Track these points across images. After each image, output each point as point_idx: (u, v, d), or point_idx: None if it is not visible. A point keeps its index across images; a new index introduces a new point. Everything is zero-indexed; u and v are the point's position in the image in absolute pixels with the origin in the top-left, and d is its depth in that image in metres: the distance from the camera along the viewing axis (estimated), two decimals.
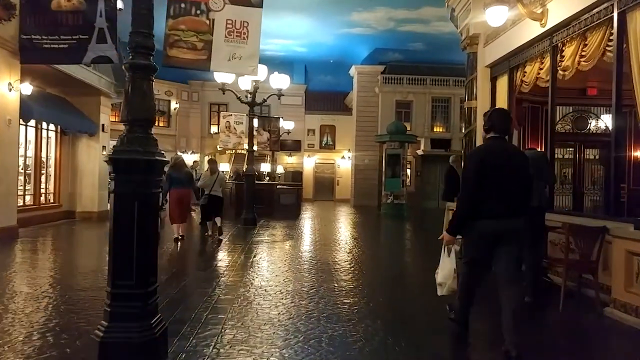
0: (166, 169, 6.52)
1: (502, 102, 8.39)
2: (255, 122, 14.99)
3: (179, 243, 8.61)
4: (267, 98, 12.21)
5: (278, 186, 16.10)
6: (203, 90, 27.24)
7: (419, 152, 23.29)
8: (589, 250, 4.57)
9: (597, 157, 13.46)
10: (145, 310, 2.94)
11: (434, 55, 23.66)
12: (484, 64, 8.76)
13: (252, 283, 5.56)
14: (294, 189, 16.57)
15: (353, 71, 24.60)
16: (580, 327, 4.43)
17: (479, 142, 8.90)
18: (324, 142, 28.04)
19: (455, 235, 3.66)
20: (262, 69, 11.55)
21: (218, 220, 9.37)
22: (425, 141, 23.10)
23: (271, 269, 6.56)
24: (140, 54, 3.02)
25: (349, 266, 6.95)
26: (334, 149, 27.91)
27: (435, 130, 23.71)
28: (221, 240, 9.06)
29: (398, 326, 4.14)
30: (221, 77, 11.84)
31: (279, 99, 12.16)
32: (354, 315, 4.36)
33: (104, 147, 13.31)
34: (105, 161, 2.99)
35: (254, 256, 7.49)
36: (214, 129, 26.74)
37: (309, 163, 27.81)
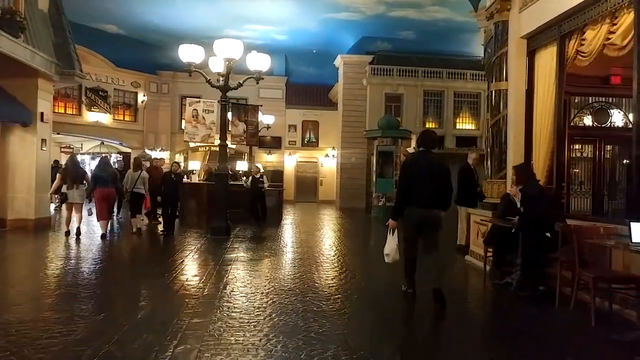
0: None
1: (544, 81, 6.54)
2: (229, 115, 12.86)
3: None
4: (243, 82, 10.13)
5: None
6: (174, 82, 24.90)
7: (410, 149, 21.42)
8: None
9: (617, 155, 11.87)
10: None
11: (425, 45, 21.94)
12: (519, 34, 6.90)
13: (217, 346, 3.53)
14: (274, 190, 14.52)
15: (339, 61, 22.64)
16: None
17: (512, 131, 7.05)
18: (306, 139, 26.01)
19: (396, 220, 4.98)
20: (237, 45, 9.54)
21: (139, 218, 10.01)
22: (415, 137, 21.29)
23: (247, 310, 4.53)
24: None
25: (357, 303, 4.99)
26: (317, 146, 25.92)
27: (427, 125, 21.88)
28: (140, 231, 9.87)
29: None
30: (187, 55, 9.76)
31: (257, 82, 10.08)
32: None
33: (43, 140, 10.98)
34: None
35: (224, 287, 5.44)
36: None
37: (290, 162, 25.74)
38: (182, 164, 19.93)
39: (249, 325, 4.03)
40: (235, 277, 6.02)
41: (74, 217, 9.20)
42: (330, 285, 5.79)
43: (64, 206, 9.71)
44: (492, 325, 4.68)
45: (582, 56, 5.86)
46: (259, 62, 10.10)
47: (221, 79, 10.23)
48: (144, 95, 24.74)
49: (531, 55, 6.85)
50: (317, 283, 5.83)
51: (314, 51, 24.16)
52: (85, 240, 8.84)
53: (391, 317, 4.66)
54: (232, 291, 5.25)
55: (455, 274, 7.15)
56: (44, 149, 11.06)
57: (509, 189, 6.48)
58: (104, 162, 9.87)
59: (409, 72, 21.55)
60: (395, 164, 16.73)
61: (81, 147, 26.85)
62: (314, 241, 10.09)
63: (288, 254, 8.13)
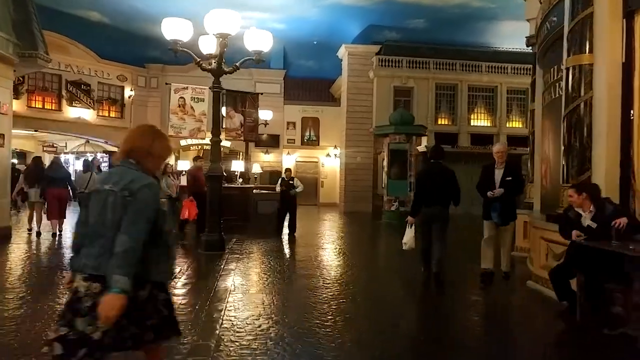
0: None
1: None
2: (223, 110, 10.95)
3: None
4: (240, 64, 8.36)
5: (254, 191, 12.20)
6: (163, 75, 22.97)
7: (420, 148, 19.72)
8: None
9: None
10: None
11: (436, 35, 20.25)
12: None
13: None
14: (275, 193, 12.68)
15: (342, 52, 20.83)
16: None
17: (603, 119, 5.29)
18: (306, 137, 24.20)
19: (414, 217, 6.23)
20: (232, 17, 7.76)
21: None
22: (428, 135, 19.55)
23: None
24: None
25: None
26: (318, 145, 24.13)
27: (439, 122, 20.20)
28: None
29: None
30: (172, 31, 7.96)
31: (257, 63, 8.31)
32: None
33: (1, 135, 9.17)
34: None
35: (216, 347, 3.65)
36: None
37: (288, 161, 23.87)
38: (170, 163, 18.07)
39: None
40: (233, 324, 4.22)
41: (35, 215, 9.65)
42: (384, 348, 4.00)
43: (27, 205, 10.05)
44: None
45: None
46: (259, 41, 8.31)
47: (213, 61, 8.47)
48: (131, 90, 22.83)
49: (629, 17, 5.12)
50: (356, 341, 4.05)
51: (315, 42, 22.38)
52: (44, 259, 7.09)
53: None
54: (228, 356, 3.46)
55: (525, 310, 5.37)
56: (1, 146, 9.25)
57: (570, 198, 4.81)
58: (56, 163, 10.00)
59: (420, 64, 19.78)
60: (409, 164, 15.00)
61: (65, 146, 24.96)
62: (329, 259, 8.29)
63: (300, 281, 6.32)
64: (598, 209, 4.60)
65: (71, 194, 9.89)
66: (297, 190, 10.87)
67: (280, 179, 11.14)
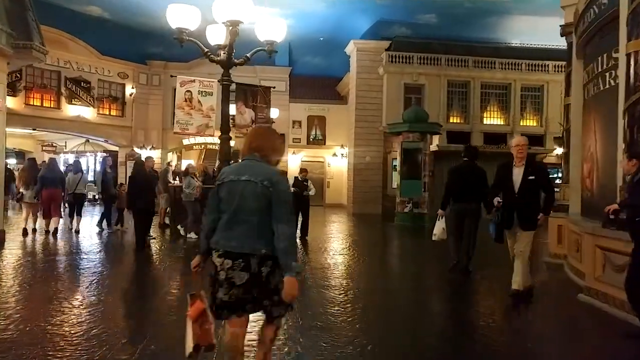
0: None
1: None
2: (233, 107, 10.27)
3: None
4: (252, 55, 7.70)
5: None
6: (165, 72, 22.30)
7: (432, 147, 19.06)
8: None
9: None
10: None
11: (448, 31, 19.56)
12: None
13: None
14: None
15: (351, 48, 20.18)
16: None
17: None
18: (312, 137, 23.55)
19: (444, 210, 6.68)
20: (244, 1, 7.11)
21: (78, 219, 10.27)
22: (441, 134, 18.90)
23: None
24: None
25: None
26: (324, 144, 23.49)
27: (451, 120, 19.53)
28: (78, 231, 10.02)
29: None
30: (178, 18, 7.31)
31: (269, 56, 7.64)
32: None
33: None
34: None
35: None
36: None
37: (294, 161, 23.25)
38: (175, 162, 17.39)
39: None
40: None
41: (31, 216, 10.04)
42: None
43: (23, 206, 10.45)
44: None
45: None
46: (272, 30, 7.64)
47: (222, 52, 7.81)
48: (133, 88, 22.20)
49: None
50: None
51: (321, 39, 21.70)
52: (38, 268, 6.44)
53: None
54: None
55: (584, 330, 4.68)
56: None
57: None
58: (53, 164, 10.32)
59: (431, 60, 19.10)
60: (423, 163, 14.35)
61: (65, 145, 24.34)
62: (349, 267, 7.60)
63: (323, 294, 5.62)
64: (634, 178, 4.07)
65: (64, 195, 10.16)
66: (310, 193, 10.32)
67: (293, 179, 10.51)
